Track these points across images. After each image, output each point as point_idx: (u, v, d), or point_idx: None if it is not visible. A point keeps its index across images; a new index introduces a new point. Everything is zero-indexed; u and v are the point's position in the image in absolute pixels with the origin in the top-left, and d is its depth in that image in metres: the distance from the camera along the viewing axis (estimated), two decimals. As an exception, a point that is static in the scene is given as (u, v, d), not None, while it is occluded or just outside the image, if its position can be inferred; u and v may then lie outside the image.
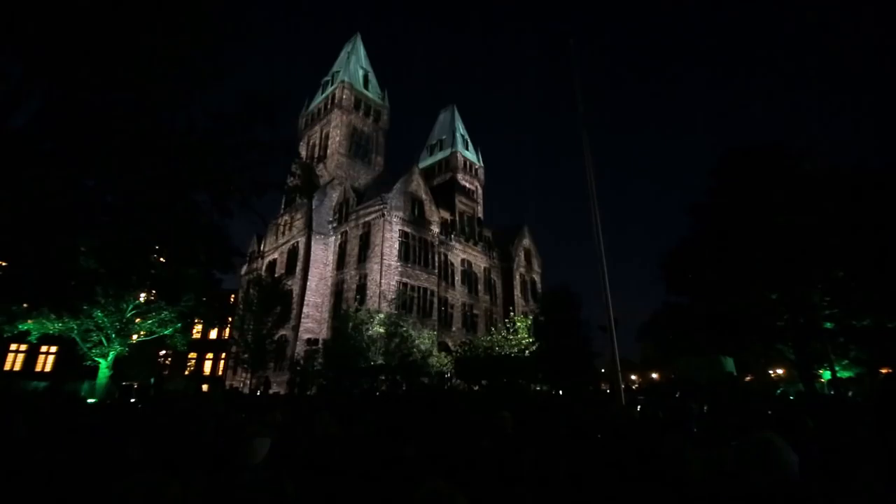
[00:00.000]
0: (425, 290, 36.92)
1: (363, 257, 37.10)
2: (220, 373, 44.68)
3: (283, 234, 42.96)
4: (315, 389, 29.90)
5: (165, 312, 34.08)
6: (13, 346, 35.99)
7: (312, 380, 31.21)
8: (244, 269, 48.84)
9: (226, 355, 43.40)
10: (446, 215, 40.51)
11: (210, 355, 45.64)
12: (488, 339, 38.42)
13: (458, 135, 49.06)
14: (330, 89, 43.62)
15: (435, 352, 35.69)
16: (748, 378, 31.69)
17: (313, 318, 38.55)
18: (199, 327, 43.45)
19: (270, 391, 34.63)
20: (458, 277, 39.76)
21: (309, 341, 37.69)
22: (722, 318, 33.27)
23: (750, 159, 30.74)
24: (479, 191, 48.74)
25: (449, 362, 35.27)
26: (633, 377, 73.57)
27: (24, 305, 30.88)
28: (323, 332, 38.40)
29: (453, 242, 40.00)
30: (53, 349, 36.90)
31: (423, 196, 38.73)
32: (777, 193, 28.97)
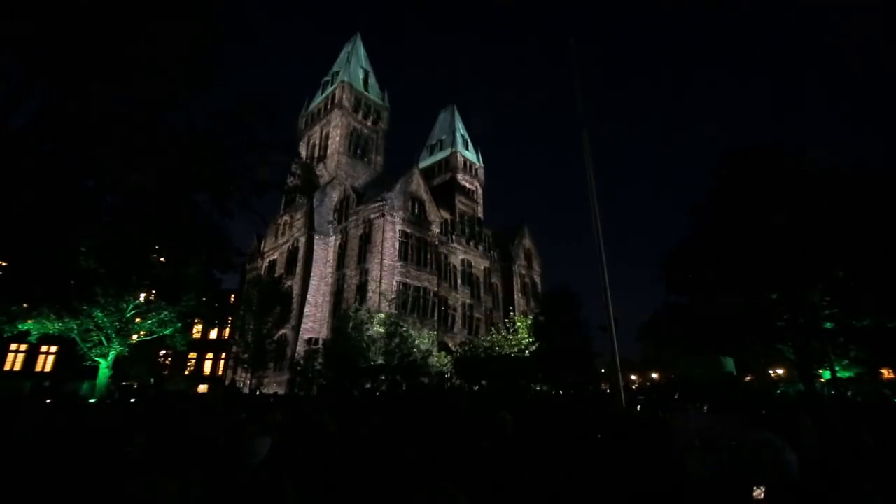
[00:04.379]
0: (425, 290, 36.91)
1: (363, 257, 37.08)
2: (220, 373, 44.67)
3: (283, 234, 42.94)
4: (315, 389, 29.88)
5: (165, 312, 34.06)
6: (13, 346, 35.98)
7: (313, 380, 31.21)
8: (244, 268, 48.83)
9: (226, 355, 43.40)
10: (446, 215, 40.44)
11: (210, 355, 45.64)
12: (488, 339, 38.40)
13: (458, 135, 49.01)
14: (330, 89, 43.56)
15: (435, 352, 35.70)
16: (748, 378, 31.71)
17: (313, 318, 38.54)
18: (199, 327, 43.42)
19: (252, 391, 34.69)
20: (458, 277, 39.71)
21: (309, 341, 37.68)
22: (722, 318, 33.29)
23: (750, 159, 30.76)
24: (479, 191, 48.68)
25: (449, 362, 35.26)
26: (633, 377, 73.52)
27: (24, 305, 30.88)
28: (323, 332, 38.39)
29: (453, 242, 39.94)
30: (53, 349, 36.89)
31: (424, 196, 38.69)
32: (777, 193, 28.98)
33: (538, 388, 38.41)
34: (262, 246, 47.01)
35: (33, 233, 12.02)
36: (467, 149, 49.54)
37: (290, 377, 35.61)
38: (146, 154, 12.44)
